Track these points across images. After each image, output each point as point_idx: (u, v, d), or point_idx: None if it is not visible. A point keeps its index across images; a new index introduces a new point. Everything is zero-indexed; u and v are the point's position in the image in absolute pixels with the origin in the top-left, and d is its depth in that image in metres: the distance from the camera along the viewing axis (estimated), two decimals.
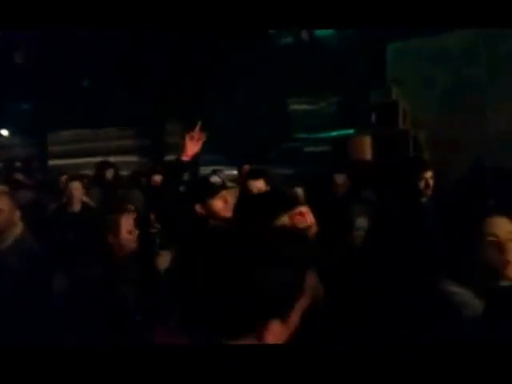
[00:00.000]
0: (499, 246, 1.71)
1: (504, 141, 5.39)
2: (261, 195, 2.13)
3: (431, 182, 3.19)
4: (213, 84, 8.79)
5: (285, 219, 1.60)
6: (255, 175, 3.22)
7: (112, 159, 6.26)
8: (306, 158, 7.50)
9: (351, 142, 5.86)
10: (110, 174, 5.48)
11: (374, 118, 5.69)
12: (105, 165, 5.60)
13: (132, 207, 2.63)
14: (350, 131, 6.47)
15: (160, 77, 7.95)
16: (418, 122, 5.77)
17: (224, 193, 2.48)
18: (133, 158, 7.64)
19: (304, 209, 1.65)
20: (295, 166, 7.04)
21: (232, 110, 8.85)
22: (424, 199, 3.17)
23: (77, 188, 4.07)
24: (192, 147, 2.57)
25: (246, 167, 5.20)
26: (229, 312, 1.00)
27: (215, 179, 2.52)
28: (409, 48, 6.28)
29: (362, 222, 2.77)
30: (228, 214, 2.35)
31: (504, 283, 1.71)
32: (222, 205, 2.44)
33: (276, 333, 1.00)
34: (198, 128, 2.59)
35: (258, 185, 3.08)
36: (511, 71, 5.70)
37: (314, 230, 1.65)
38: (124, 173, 6.05)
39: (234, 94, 8.75)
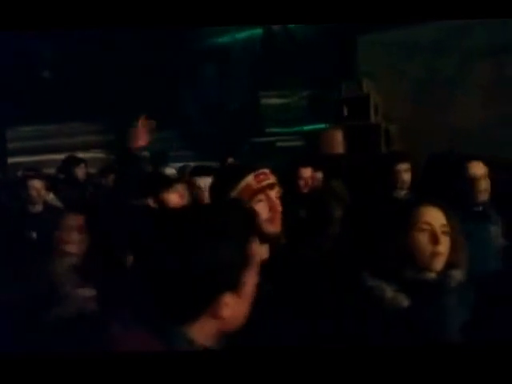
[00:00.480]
0: (432, 236, 1.67)
1: (472, 133, 5.42)
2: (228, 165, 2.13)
3: (405, 175, 3.18)
4: (182, 78, 8.66)
5: (250, 179, 1.62)
6: (202, 172, 3.12)
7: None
8: (279, 153, 7.43)
9: (323, 135, 5.84)
10: (79, 170, 5.27)
11: (345, 111, 5.66)
12: (74, 161, 5.38)
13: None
14: (323, 125, 6.43)
15: (128, 71, 7.79)
16: (390, 115, 5.76)
17: (179, 186, 2.42)
18: (98, 154, 7.47)
19: (267, 170, 1.67)
20: (268, 161, 6.96)
21: (202, 105, 8.74)
22: (398, 192, 3.16)
23: (37, 187, 3.85)
24: (140, 136, 2.44)
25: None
26: (180, 293, 1.01)
27: (170, 172, 2.45)
28: (380, 41, 6.25)
29: (336, 214, 2.75)
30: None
31: (429, 275, 1.68)
32: (177, 199, 2.38)
33: (230, 306, 1.02)
34: (143, 118, 2.47)
35: (205, 182, 2.98)
36: (480, 64, 5.73)
37: (277, 189, 1.68)
38: (90, 170, 5.85)
39: (204, 89, 8.64)
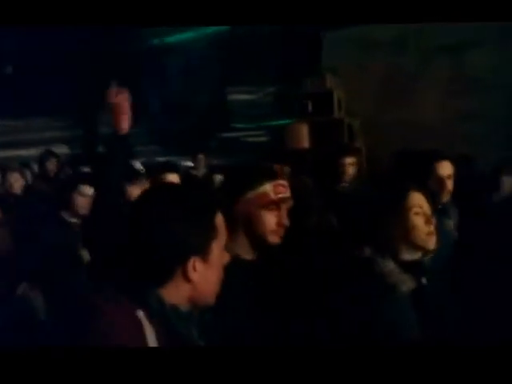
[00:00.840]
0: (425, 217, 1.81)
1: (431, 128, 5.60)
2: (247, 165, 2.16)
3: (351, 168, 3.28)
4: (149, 73, 8.64)
5: (269, 188, 1.68)
6: (169, 168, 3.15)
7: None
8: (246, 148, 7.51)
9: (289, 130, 5.93)
10: (51, 164, 5.26)
11: (310, 106, 5.77)
12: (47, 155, 5.36)
13: None
14: (288, 120, 6.53)
15: (91, 67, 7.72)
16: (353, 111, 5.90)
17: (145, 181, 2.47)
18: (65, 150, 7.40)
19: (285, 182, 1.73)
20: (234, 156, 7.03)
21: (169, 101, 8.73)
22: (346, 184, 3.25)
23: (17, 179, 3.91)
24: (125, 120, 2.49)
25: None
26: (152, 258, 1.11)
27: (138, 166, 2.51)
28: (343, 37, 6.37)
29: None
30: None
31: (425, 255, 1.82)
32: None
33: (199, 271, 1.13)
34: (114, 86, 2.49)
35: (172, 179, 3.03)
36: (439, 61, 5.92)
37: (290, 203, 1.74)
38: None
39: (170, 85, 8.63)
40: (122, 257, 1.17)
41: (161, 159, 6.42)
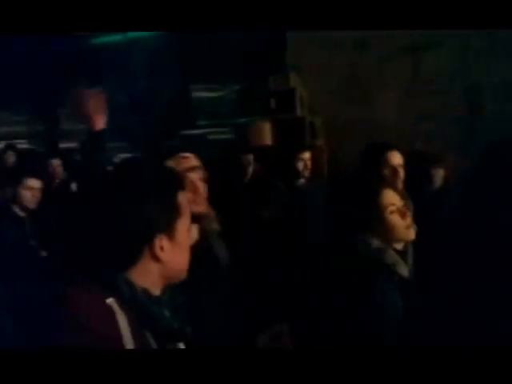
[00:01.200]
0: (400, 213, 1.88)
1: (390, 127, 5.73)
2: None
3: (309, 163, 3.36)
4: (112, 69, 8.53)
5: (170, 163, 1.71)
6: (131, 163, 3.18)
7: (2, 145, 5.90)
8: (209, 145, 7.51)
9: (252, 128, 5.96)
10: (10, 158, 5.18)
11: (273, 104, 5.82)
12: (5, 149, 5.27)
13: None
14: (252, 118, 6.56)
15: (51, 61, 7.58)
16: (315, 109, 5.98)
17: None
18: (25, 145, 7.26)
19: (190, 154, 1.79)
20: (199, 153, 6.99)
21: (133, 97, 8.64)
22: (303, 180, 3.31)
23: None
24: (95, 114, 2.46)
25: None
26: (118, 239, 1.12)
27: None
28: (307, 37, 6.44)
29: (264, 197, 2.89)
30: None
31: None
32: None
33: (166, 250, 1.15)
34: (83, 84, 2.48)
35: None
36: (398, 61, 6.05)
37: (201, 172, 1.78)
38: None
39: (133, 81, 8.55)
40: (88, 244, 1.17)
41: (124, 156, 6.36)
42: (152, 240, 1.13)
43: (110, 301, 1.08)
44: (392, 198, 1.95)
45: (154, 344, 1.13)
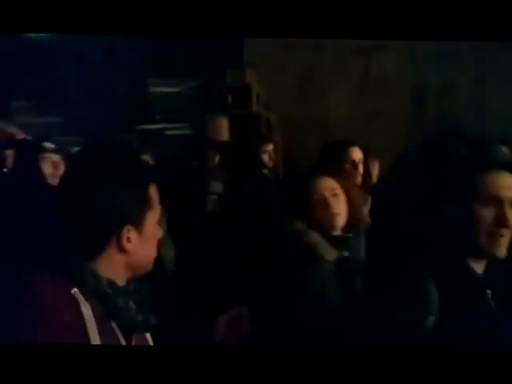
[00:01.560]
0: (324, 202, 2.00)
1: (343, 125, 5.94)
2: None
3: (273, 155, 3.51)
4: (63, 64, 8.41)
5: None
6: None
7: None
8: (166, 140, 7.53)
9: (209, 123, 6.06)
10: None
11: (229, 100, 5.94)
12: None
13: None
14: (209, 114, 6.64)
15: (5, 52, 7.43)
16: (271, 105, 6.14)
17: (56, 158, 2.47)
18: None
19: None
20: (155, 149, 7.02)
21: (87, 91, 8.55)
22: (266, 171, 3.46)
23: None
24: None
25: None
26: (83, 229, 1.11)
27: (47, 145, 2.50)
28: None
29: (216, 187, 2.97)
30: (55, 180, 2.33)
31: (336, 233, 2.02)
32: (51, 170, 2.44)
33: (133, 241, 1.14)
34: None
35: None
36: (351, 61, 6.28)
37: None
38: None
39: (89, 74, 8.46)
40: (53, 233, 1.15)
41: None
42: (120, 231, 1.12)
43: (74, 291, 1.07)
44: (320, 187, 2.05)
45: (119, 334, 1.13)
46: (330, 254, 1.96)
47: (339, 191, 2.07)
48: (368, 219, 2.93)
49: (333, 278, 1.95)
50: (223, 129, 5.86)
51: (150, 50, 8.55)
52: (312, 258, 1.90)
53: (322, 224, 2.02)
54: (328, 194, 2.04)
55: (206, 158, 4.36)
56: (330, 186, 2.06)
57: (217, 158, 4.51)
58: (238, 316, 1.46)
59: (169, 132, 7.82)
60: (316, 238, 1.96)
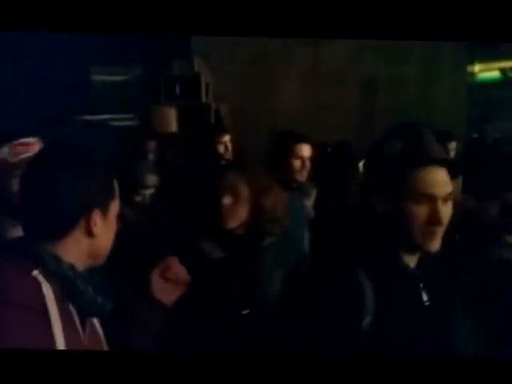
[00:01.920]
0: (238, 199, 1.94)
1: (292, 116, 5.91)
2: None
3: (229, 145, 3.41)
4: (4, 53, 8.01)
5: (5, 150, 1.58)
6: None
7: None
8: (111, 131, 7.29)
9: (156, 114, 5.88)
10: None
11: (177, 90, 5.77)
12: None
13: None
14: (155, 104, 6.46)
15: None
16: (220, 96, 6.01)
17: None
18: None
19: (33, 139, 1.64)
20: (99, 139, 6.78)
21: (28, 79, 8.17)
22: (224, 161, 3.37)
23: None
24: None
25: None
26: (53, 209, 1.12)
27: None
28: None
29: (151, 180, 2.83)
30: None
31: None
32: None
33: (99, 225, 1.17)
34: None
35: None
36: (300, 52, 6.25)
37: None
38: None
39: (29, 63, 8.09)
40: (16, 214, 1.17)
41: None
42: (90, 213, 1.15)
43: (35, 273, 1.09)
44: (236, 182, 1.98)
45: (76, 317, 1.16)
46: (217, 252, 1.90)
47: (241, 191, 1.97)
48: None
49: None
50: (170, 120, 5.69)
51: (92, 36, 8.24)
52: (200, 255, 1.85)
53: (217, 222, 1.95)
54: (245, 193, 1.95)
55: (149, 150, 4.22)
56: (241, 182, 1.97)
57: (161, 150, 4.38)
58: (169, 265, 1.46)
59: (113, 123, 7.57)
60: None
